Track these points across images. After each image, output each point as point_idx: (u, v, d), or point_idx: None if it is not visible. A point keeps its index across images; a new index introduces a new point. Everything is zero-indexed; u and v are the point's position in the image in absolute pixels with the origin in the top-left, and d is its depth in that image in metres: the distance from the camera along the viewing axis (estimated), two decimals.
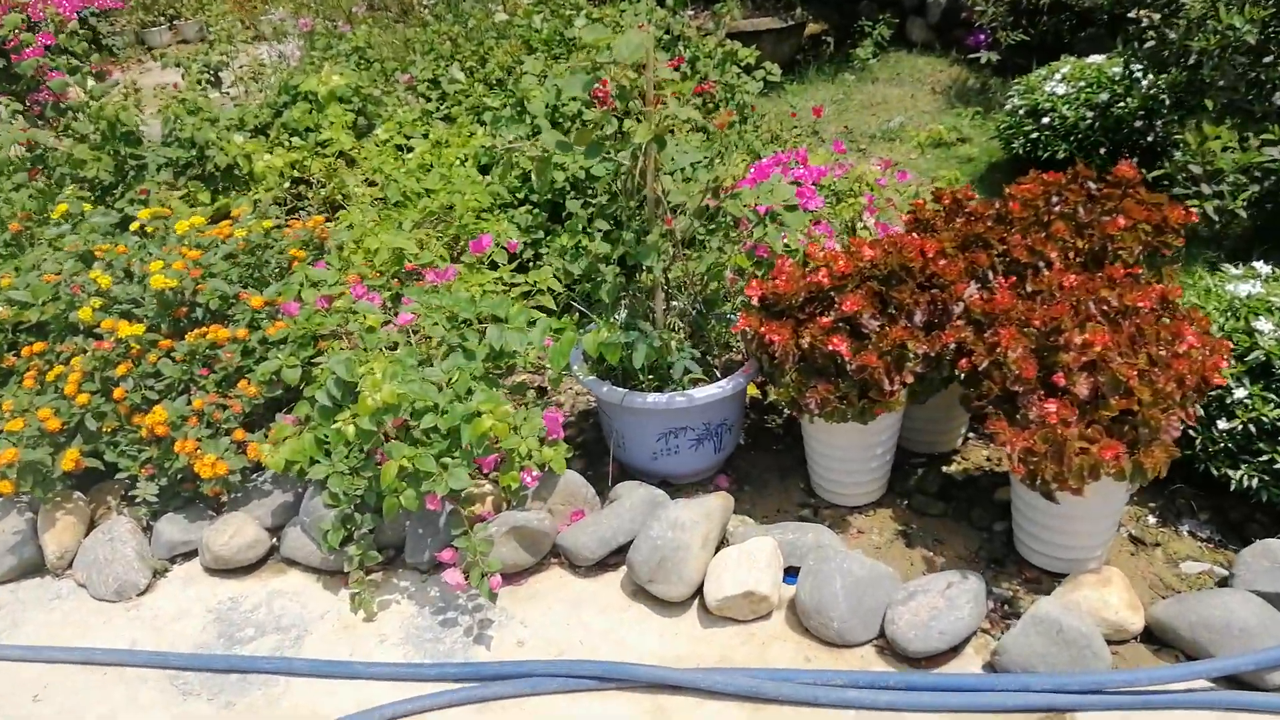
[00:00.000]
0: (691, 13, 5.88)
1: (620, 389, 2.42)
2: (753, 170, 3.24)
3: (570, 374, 2.51)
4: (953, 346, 2.25)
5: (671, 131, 2.31)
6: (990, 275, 2.42)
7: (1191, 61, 3.18)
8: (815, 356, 2.29)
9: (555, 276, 2.82)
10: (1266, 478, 2.25)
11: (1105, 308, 2.18)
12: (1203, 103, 3.22)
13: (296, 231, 3.09)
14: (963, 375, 2.25)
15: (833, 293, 2.33)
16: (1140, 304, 2.12)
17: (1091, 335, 1.98)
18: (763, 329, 2.32)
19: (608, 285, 2.40)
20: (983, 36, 5.02)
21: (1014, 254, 2.41)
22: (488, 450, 2.23)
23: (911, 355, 2.24)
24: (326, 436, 2.31)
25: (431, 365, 2.37)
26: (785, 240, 2.49)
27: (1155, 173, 3.31)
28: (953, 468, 2.71)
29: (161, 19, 8.74)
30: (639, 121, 2.22)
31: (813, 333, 2.27)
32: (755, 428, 2.88)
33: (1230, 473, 2.29)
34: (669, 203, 2.38)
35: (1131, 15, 4.21)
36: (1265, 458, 2.23)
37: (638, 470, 2.62)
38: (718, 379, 2.49)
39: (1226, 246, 3.44)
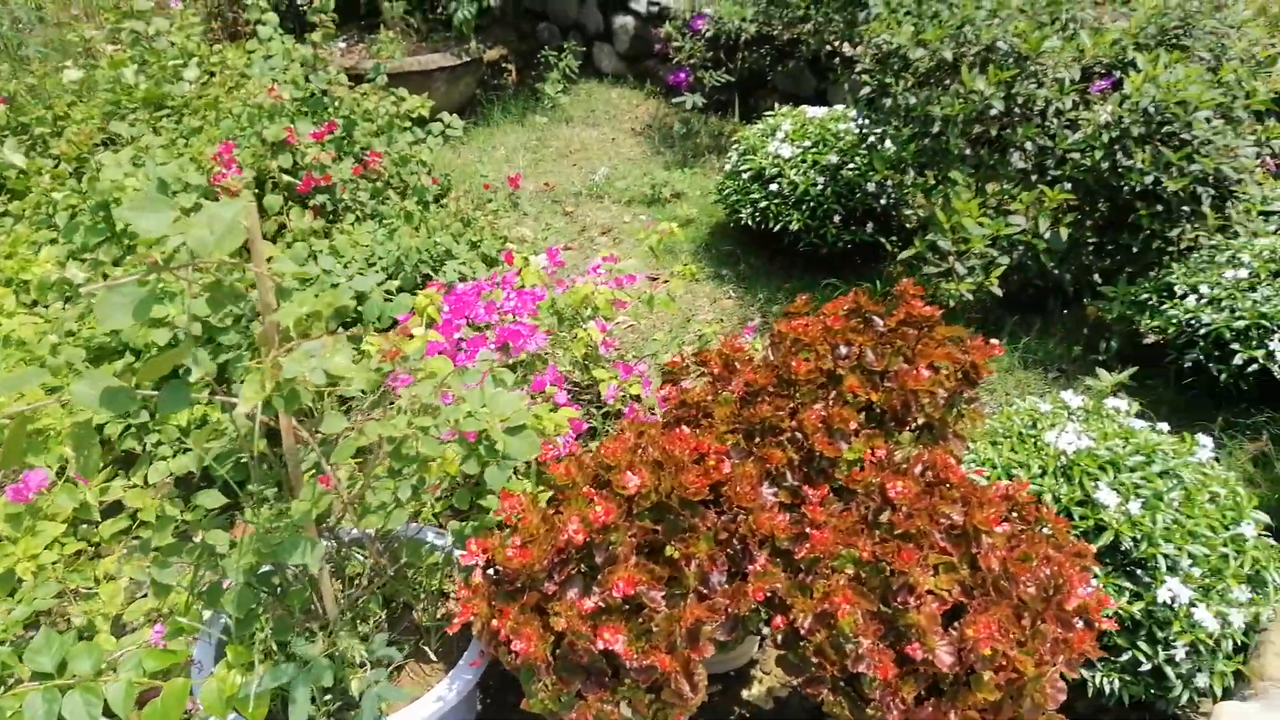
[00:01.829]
0: (344, 45, 4.87)
1: None
2: (447, 305, 2.42)
3: None
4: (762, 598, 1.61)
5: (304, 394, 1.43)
6: (789, 475, 1.81)
7: (935, 130, 2.80)
8: (578, 652, 1.54)
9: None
10: (1128, 677, 1.85)
11: (950, 528, 1.63)
12: (948, 174, 2.86)
13: None
14: (779, 636, 1.62)
15: (594, 549, 1.59)
16: (993, 523, 1.59)
17: (975, 627, 1.40)
18: (497, 623, 1.54)
19: (231, 595, 1.48)
20: (684, 75, 4.52)
21: (812, 442, 1.81)
22: None
23: (710, 626, 1.57)
24: None
25: None
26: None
27: (905, 253, 2.93)
28: (752, 691, 2.10)
29: None
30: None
31: (570, 621, 1.52)
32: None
33: (1085, 674, 1.87)
34: (323, 453, 1.50)
35: (848, 54, 3.87)
36: (1126, 656, 1.83)
37: None
38: (430, 654, 1.67)
39: (976, 320, 3.16)
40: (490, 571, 1.65)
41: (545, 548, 1.57)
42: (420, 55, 4.69)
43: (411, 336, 2.18)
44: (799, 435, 1.84)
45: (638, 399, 2.47)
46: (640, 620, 1.56)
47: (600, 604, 1.53)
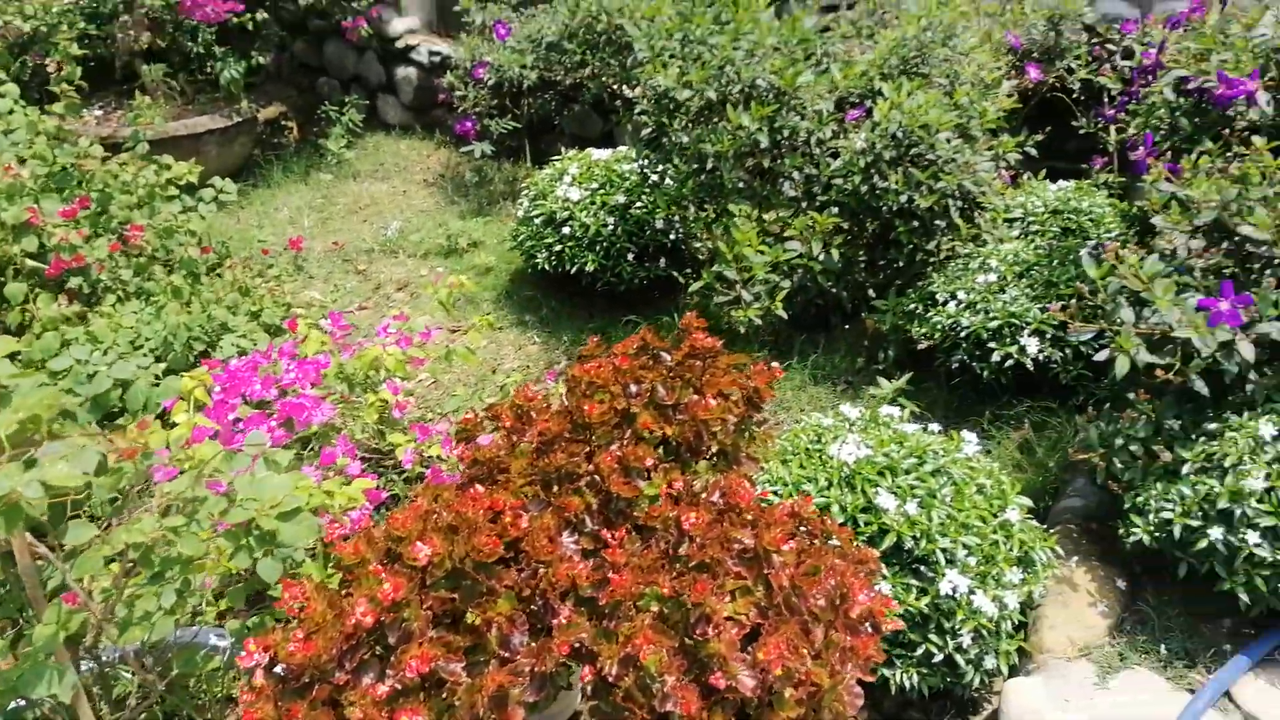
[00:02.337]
0: (100, 113, 4.54)
1: None
2: (220, 384, 2.27)
3: None
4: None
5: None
6: (588, 520, 1.80)
7: (710, 166, 2.91)
8: None
9: None
10: (924, 670, 1.94)
11: (743, 552, 1.67)
12: (726, 207, 2.98)
13: None
14: (589, 687, 1.60)
15: (386, 630, 1.52)
16: (779, 542, 1.64)
17: (765, 649, 1.43)
18: None
19: None
20: (470, 124, 4.49)
21: (609, 485, 1.81)
22: None
23: (516, 690, 1.53)
24: None
25: None
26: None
27: (695, 286, 3.02)
28: None
29: None
30: None
31: (365, 710, 1.43)
32: None
33: (885, 673, 1.95)
34: (66, 569, 1.36)
35: (629, 96, 3.97)
36: (920, 650, 1.93)
37: None
38: None
39: (768, 342, 3.29)
40: (277, 669, 1.54)
41: (333, 635, 1.48)
42: (187, 119, 4.43)
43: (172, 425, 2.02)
44: (597, 479, 1.84)
45: (440, 460, 2.40)
46: (443, 696, 1.49)
47: (396, 686, 1.45)
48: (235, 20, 4.47)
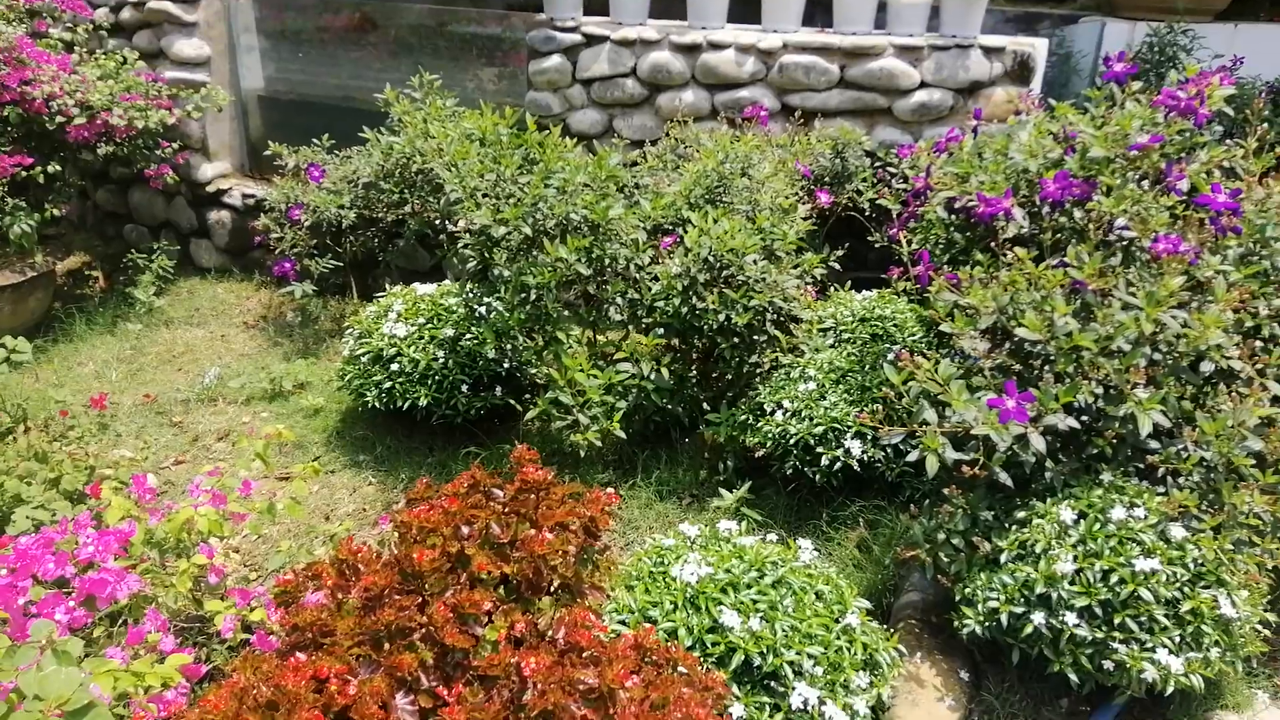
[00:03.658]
0: None
1: None
2: (8, 565, 2.05)
3: None
4: None
5: None
6: (424, 677, 1.70)
7: (534, 296, 2.96)
8: None
9: None
10: None
11: (588, 693, 1.62)
12: (555, 335, 3.02)
13: None
14: None
15: None
16: (623, 679, 1.61)
17: None
18: None
19: None
20: (289, 265, 4.40)
21: (444, 637, 1.73)
22: None
23: None
24: None
25: None
26: None
27: (532, 412, 3.01)
28: None
29: None
30: None
31: None
32: None
33: None
34: None
35: (452, 230, 4.00)
36: None
37: None
38: None
39: (611, 461, 3.30)
40: None
41: None
42: None
43: None
44: (431, 630, 1.76)
45: (264, 624, 2.23)
46: None
47: None
48: (25, 173, 4.24)
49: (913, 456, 2.22)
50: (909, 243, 3.33)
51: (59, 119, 4.28)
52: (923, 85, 4.02)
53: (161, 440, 3.59)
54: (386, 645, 1.74)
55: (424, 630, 1.76)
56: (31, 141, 4.40)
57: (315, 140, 4.61)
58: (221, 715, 1.49)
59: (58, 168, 4.43)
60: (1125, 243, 2.57)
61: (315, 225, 4.33)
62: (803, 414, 2.91)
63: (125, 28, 5.16)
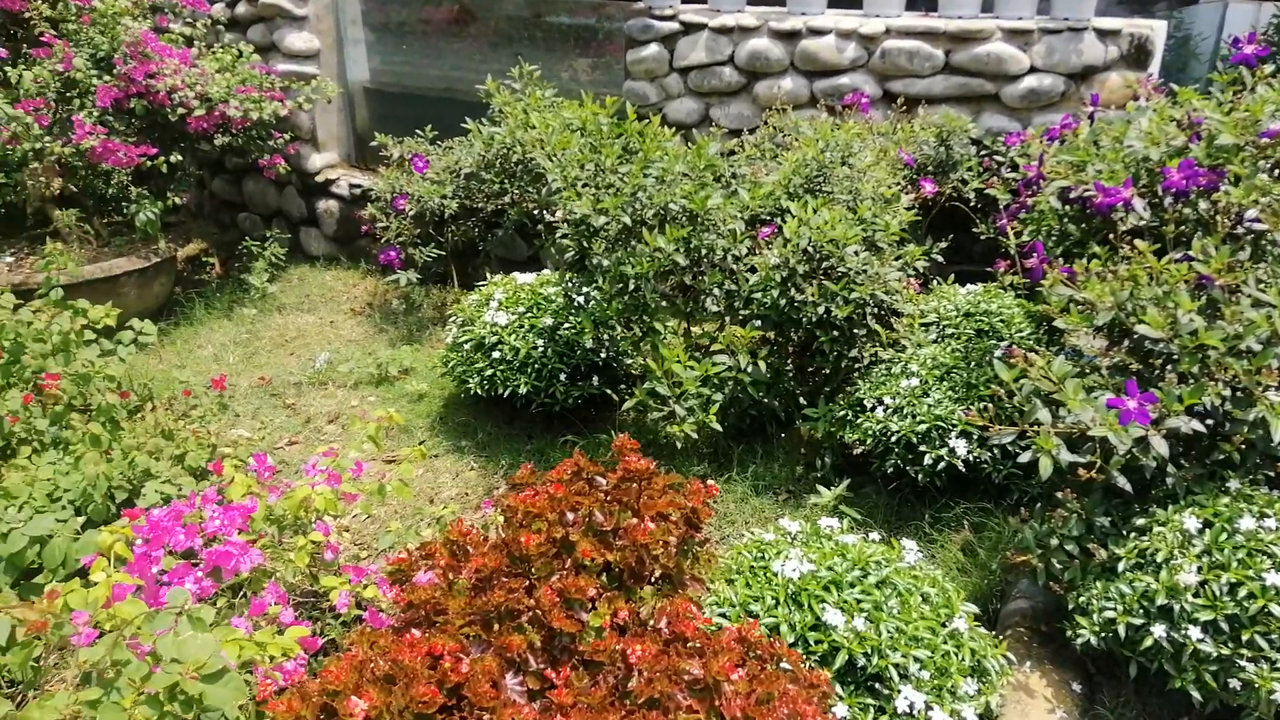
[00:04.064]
0: (11, 260, 4.45)
1: None
2: (142, 536, 2.18)
3: None
4: None
5: None
6: (532, 659, 1.74)
7: (632, 287, 2.98)
8: None
9: None
10: None
11: (693, 683, 1.63)
12: (652, 325, 3.04)
13: None
14: None
15: None
16: (728, 671, 1.61)
17: None
18: None
19: None
20: (394, 253, 4.53)
21: (551, 620, 1.77)
22: None
23: None
24: None
25: None
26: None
27: (629, 403, 3.04)
28: None
29: None
30: None
31: None
32: None
33: None
34: None
35: (550, 220, 4.06)
36: None
37: None
38: None
39: (706, 454, 3.31)
40: None
41: None
42: (103, 261, 4.36)
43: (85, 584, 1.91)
44: (539, 614, 1.80)
45: (376, 601, 2.31)
46: None
47: None
48: (149, 163, 4.47)
49: (1024, 458, 2.16)
50: (1018, 234, 3.23)
51: (180, 111, 4.49)
52: (1032, 70, 3.88)
53: (276, 421, 3.75)
54: (496, 626, 1.78)
55: (531, 613, 1.80)
56: (155, 133, 4.64)
57: (419, 131, 4.73)
58: (343, 686, 1.55)
59: (179, 158, 4.65)
60: (1255, 235, 2.43)
61: (419, 215, 4.45)
62: (905, 411, 2.86)
63: (240, 22, 5.38)
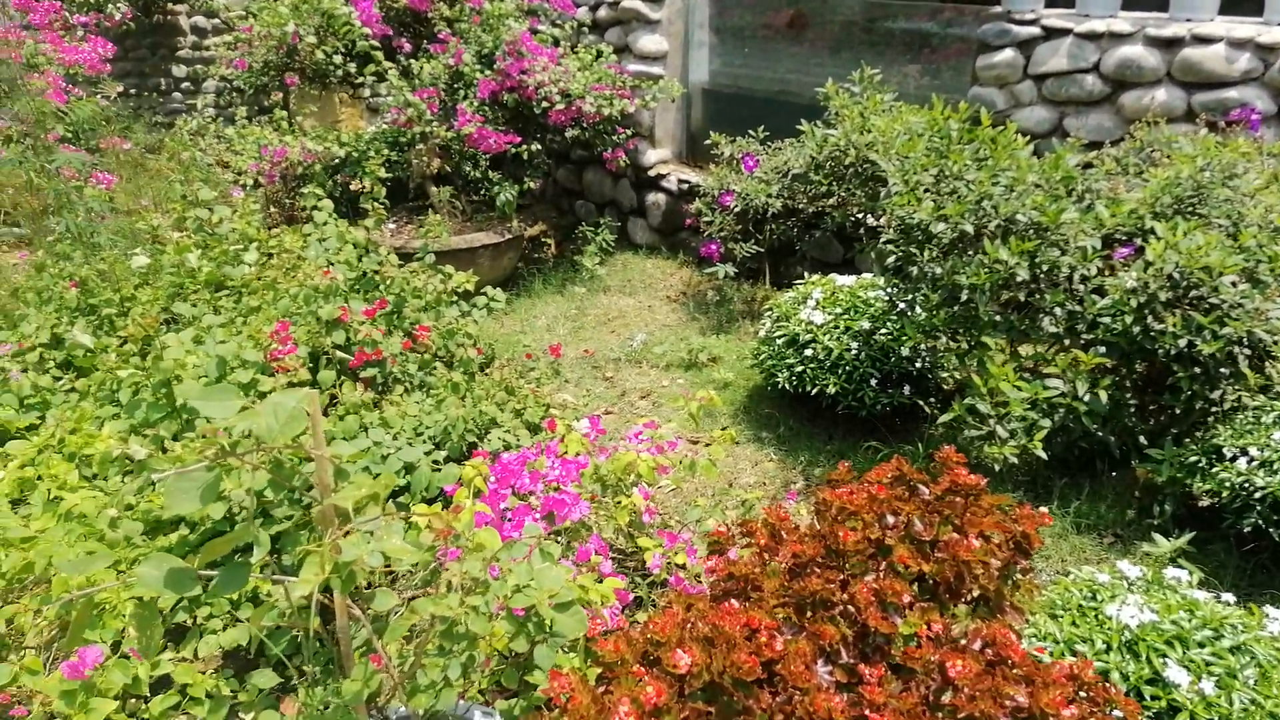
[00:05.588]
0: (393, 226, 5.16)
1: None
2: (494, 474, 2.46)
3: None
4: None
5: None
6: (843, 652, 1.76)
7: (964, 298, 2.88)
8: None
9: None
10: None
11: (1016, 710, 1.57)
12: (981, 339, 2.91)
13: None
14: None
15: None
16: (1058, 705, 1.53)
17: None
18: None
19: None
20: (715, 247, 4.72)
21: (865, 617, 1.78)
22: None
23: None
24: None
25: None
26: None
27: (945, 417, 2.94)
28: None
29: None
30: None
31: None
32: None
33: None
34: (374, 631, 1.50)
35: (872, 225, 4.03)
36: None
37: None
38: None
39: (1022, 482, 3.12)
40: None
41: None
42: (466, 234, 4.95)
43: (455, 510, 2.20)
44: (851, 609, 1.81)
45: (683, 568, 2.44)
46: None
47: None
48: (512, 150, 4.99)
49: None
50: None
51: (544, 104, 4.97)
52: None
53: (595, 390, 4.06)
54: (808, 613, 1.82)
55: (843, 607, 1.81)
56: (519, 124, 5.17)
57: (750, 132, 4.87)
58: (666, 638, 1.67)
59: (538, 147, 5.15)
60: None
61: (742, 212, 4.59)
62: (1275, 466, 2.52)
63: (600, 24, 5.84)
